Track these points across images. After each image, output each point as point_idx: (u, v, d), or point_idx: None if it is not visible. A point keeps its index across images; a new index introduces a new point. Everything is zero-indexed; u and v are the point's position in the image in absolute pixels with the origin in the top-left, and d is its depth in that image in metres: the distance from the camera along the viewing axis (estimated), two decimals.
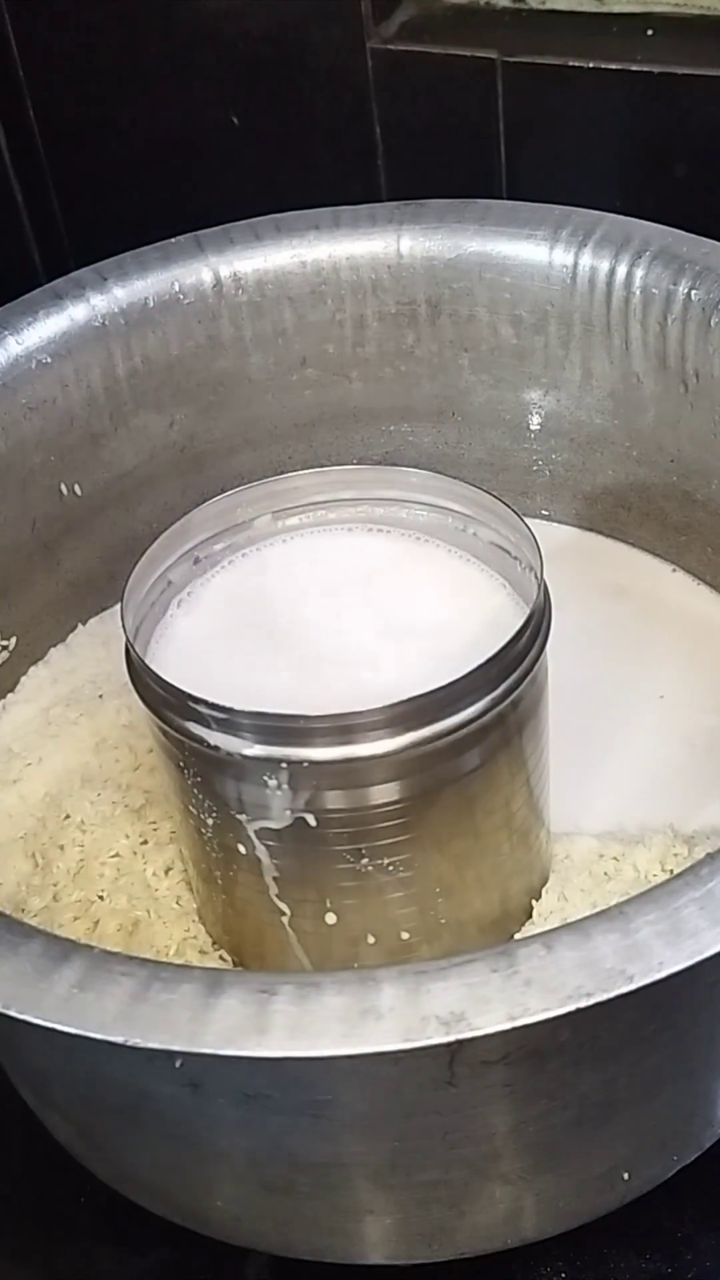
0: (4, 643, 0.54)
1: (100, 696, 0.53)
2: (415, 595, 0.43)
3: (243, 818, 0.39)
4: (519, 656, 0.39)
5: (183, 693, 0.38)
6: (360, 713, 0.37)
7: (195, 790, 0.40)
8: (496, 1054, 0.34)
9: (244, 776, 0.38)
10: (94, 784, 0.50)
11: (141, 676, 0.40)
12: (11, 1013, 0.31)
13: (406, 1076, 0.34)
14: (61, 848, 0.48)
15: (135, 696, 0.51)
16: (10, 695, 0.55)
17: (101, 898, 0.46)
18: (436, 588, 0.44)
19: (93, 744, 0.52)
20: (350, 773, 0.37)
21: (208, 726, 0.38)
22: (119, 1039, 0.30)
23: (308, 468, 0.47)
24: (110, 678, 0.54)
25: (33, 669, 0.55)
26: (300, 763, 0.37)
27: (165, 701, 0.39)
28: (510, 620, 0.40)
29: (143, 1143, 0.40)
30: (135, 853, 0.47)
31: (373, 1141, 0.37)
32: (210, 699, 0.37)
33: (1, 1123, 0.48)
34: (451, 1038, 0.30)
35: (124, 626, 0.40)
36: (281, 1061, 0.30)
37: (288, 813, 0.38)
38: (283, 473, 0.46)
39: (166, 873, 0.47)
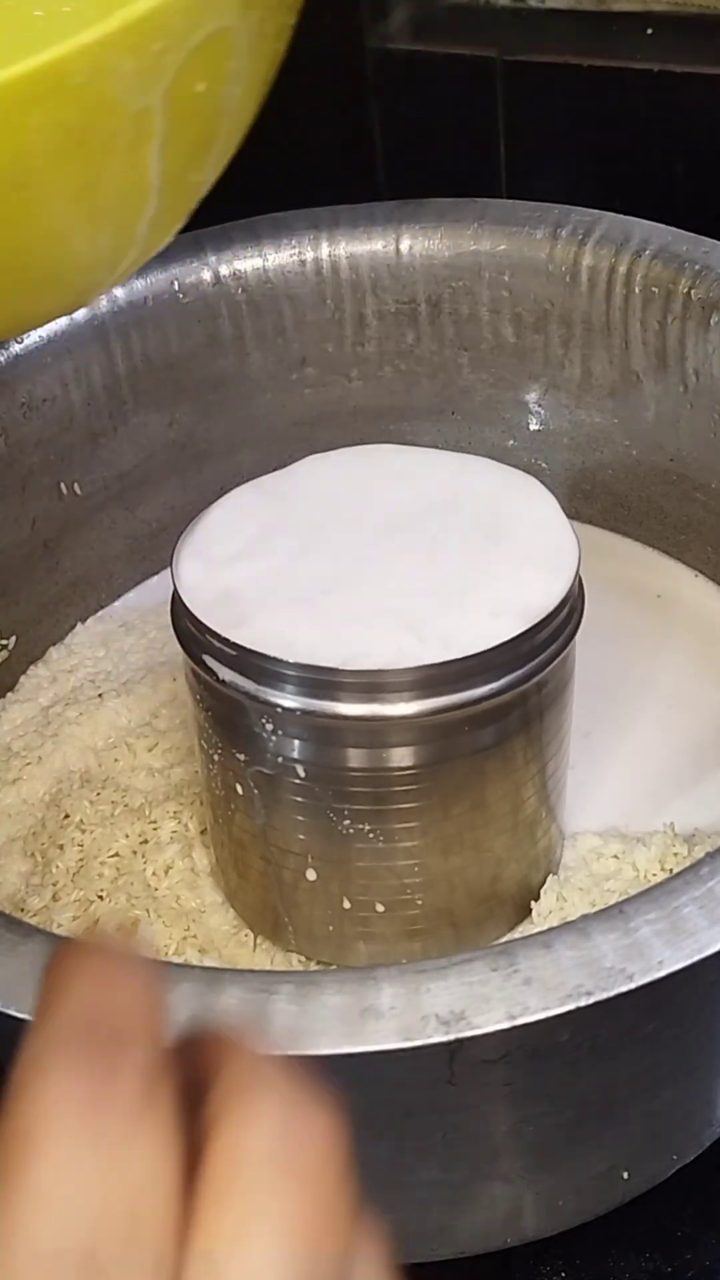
0: (4, 642, 0.54)
1: (100, 696, 0.53)
2: None
3: (241, 758, 0.40)
4: (550, 638, 0.39)
5: (201, 623, 0.39)
6: (379, 671, 0.37)
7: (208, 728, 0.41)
8: (496, 1053, 0.34)
9: (244, 716, 0.39)
10: (94, 784, 0.50)
11: (174, 604, 0.41)
12: (11, 1012, 0.31)
13: (406, 1075, 0.34)
14: (61, 847, 0.48)
15: (137, 694, 0.51)
16: (10, 694, 0.55)
17: (101, 897, 0.46)
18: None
19: (93, 744, 0.52)
20: (333, 730, 0.38)
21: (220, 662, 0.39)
22: None
23: None
24: (110, 677, 0.54)
25: (32, 668, 0.55)
26: (328, 714, 0.38)
27: (187, 630, 0.40)
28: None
29: None
30: (135, 852, 0.47)
31: (372, 1141, 0.37)
32: (225, 634, 0.38)
33: None
34: (451, 1037, 0.30)
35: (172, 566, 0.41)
36: (281, 1060, 0.30)
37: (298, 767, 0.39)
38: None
39: (166, 872, 0.47)
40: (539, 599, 0.39)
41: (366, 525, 0.42)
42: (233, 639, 0.38)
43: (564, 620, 0.40)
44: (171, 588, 0.41)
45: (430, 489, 0.43)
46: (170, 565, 0.41)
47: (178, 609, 0.41)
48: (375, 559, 0.41)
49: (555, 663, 0.40)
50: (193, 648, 0.40)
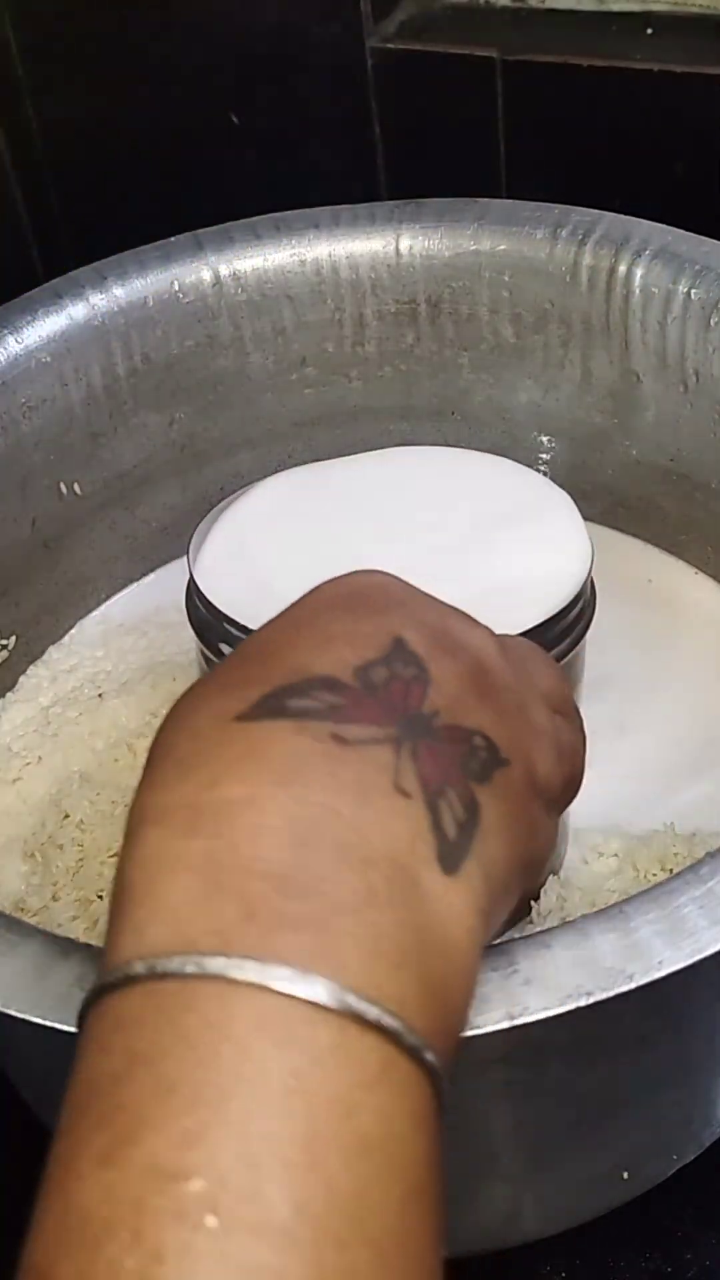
0: (3, 642, 0.54)
1: (100, 695, 0.53)
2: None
3: None
4: (562, 635, 0.40)
5: (218, 611, 0.39)
6: None
7: None
8: (496, 1053, 0.34)
9: None
10: (94, 783, 0.50)
11: (189, 593, 0.41)
12: (11, 1012, 0.31)
13: None
14: (61, 847, 0.48)
15: (137, 694, 0.51)
16: (10, 694, 0.54)
17: (101, 897, 0.46)
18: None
19: (93, 744, 0.52)
20: None
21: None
22: None
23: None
24: (110, 676, 0.54)
25: (32, 668, 0.55)
26: None
27: (204, 619, 0.40)
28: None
29: None
30: None
31: None
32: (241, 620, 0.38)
33: (1, 1122, 0.48)
34: None
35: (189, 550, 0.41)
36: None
37: None
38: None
39: None
40: (552, 596, 0.40)
41: (384, 521, 0.42)
42: (251, 627, 0.38)
43: (575, 618, 0.40)
44: (178, 584, 0.41)
45: (449, 488, 0.43)
46: (187, 554, 0.41)
47: (193, 597, 0.41)
48: (392, 553, 0.41)
49: (566, 660, 0.40)
50: (209, 636, 0.40)
